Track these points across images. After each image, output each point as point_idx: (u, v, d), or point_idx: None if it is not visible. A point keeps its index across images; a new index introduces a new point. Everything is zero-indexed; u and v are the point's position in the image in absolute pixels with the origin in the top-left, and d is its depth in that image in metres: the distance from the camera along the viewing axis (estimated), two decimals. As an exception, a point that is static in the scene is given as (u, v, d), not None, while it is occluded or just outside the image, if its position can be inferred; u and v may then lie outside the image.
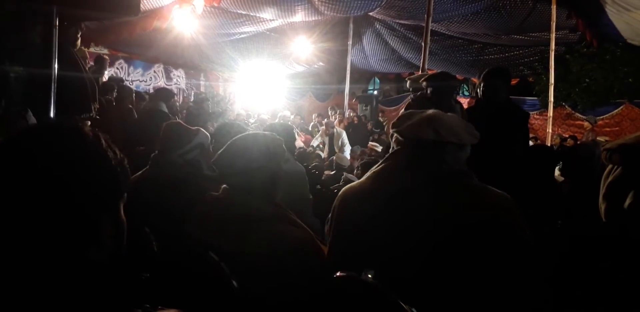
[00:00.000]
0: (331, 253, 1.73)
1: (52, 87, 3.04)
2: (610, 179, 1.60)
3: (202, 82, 12.49)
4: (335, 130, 7.25)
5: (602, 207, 1.71)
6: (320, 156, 6.47)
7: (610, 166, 1.36)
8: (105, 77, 7.13)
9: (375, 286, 1.37)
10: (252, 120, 8.00)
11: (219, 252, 1.52)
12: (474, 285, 1.48)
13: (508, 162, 2.75)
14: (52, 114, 3.05)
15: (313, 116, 10.22)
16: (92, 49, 7.91)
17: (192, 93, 11.14)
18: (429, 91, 3.26)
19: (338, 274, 1.46)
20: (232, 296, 1.52)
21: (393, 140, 1.70)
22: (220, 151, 1.71)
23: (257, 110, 10.19)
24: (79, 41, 3.55)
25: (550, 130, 6.10)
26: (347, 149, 7.17)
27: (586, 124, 8.26)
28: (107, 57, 5.86)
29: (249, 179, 1.68)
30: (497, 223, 1.52)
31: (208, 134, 2.31)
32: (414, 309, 1.34)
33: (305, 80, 11.89)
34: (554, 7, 5.71)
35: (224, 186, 1.70)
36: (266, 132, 1.80)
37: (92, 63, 6.19)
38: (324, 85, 11.54)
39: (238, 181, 1.69)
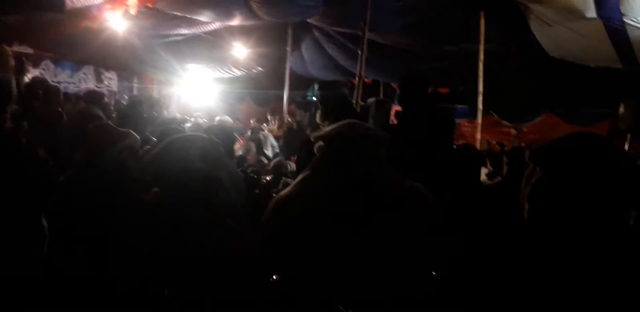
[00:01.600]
0: (269, 261, 1.72)
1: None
2: (532, 179, 1.70)
3: (135, 85, 12.07)
4: (261, 135, 7.19)
5: (525, 207, 1.81)
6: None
7: (530, 167, 1.44)
8: (29, 78, 6.72)
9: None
10: (188, 124, 7.83)
11: (153, 256, 1.47)
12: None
13: (433, 168, 2.84)
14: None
15: (251, 121, 10.14)
16: (15, 48, 7.45)
17: (125, 96, 10.74)
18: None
19: (275, 277, 1.47)
20: (163, 304, 1.48)
21: (316, 149, 1.74)
22: (154, 152, 1.66)
23: (194, 114, 9.97)
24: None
25: (479, 137, 6.40)
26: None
27: (512, 131, 8.76)
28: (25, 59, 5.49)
29: (185, 181, 1.64)
30: (426, 222, 1.59)
31: (138, 137, 2.24)
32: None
33: (243, 84, 11.77)
34: (482, 21, 6.03)
35: (156, 189, 1.65)
36: (203, 135, 1.77)
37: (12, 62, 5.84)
38: (263, 90, 11.48)
39: (173, 184, 1.65)
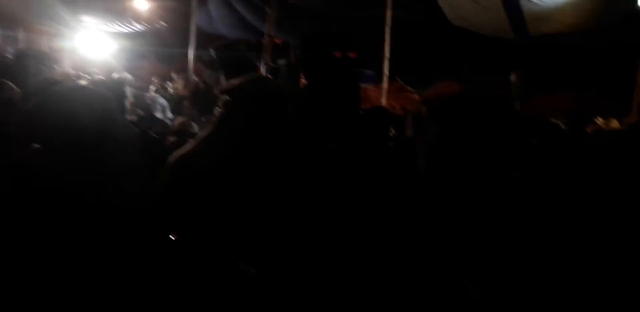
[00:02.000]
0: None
1: None
2: (429, 135, 1.79)
3: (20, 36, 10.91)
4: (149, 98, 6.76)
5: (423, 162, 1.91)
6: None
7: (426, 123, 1.51)
8: None
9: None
10: (83, 81, 7.24)
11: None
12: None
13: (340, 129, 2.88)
14: None
15: (154, 80, 9.63)
16: None
17: (9, 48, 9.67)
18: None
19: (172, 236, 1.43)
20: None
21: (220, 103, 1.67)
22: (33, 105, 1.50)
23: (90, 70, 9.25)
24: None
25: (384, 102, 6.58)
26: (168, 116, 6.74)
27: (415, 96, 9.08)
28: None
29: (73, 139, 1.51)
30: (326, 181, 1.62)
31: (17, 90, 2.02)
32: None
33: (146, 41, 11.06)
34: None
35: (35, 145, 1.50)
36: (92, 87, 1.62)
37: None
38: (168, 47, 10.89)
39: (59, 142, 1.51)
